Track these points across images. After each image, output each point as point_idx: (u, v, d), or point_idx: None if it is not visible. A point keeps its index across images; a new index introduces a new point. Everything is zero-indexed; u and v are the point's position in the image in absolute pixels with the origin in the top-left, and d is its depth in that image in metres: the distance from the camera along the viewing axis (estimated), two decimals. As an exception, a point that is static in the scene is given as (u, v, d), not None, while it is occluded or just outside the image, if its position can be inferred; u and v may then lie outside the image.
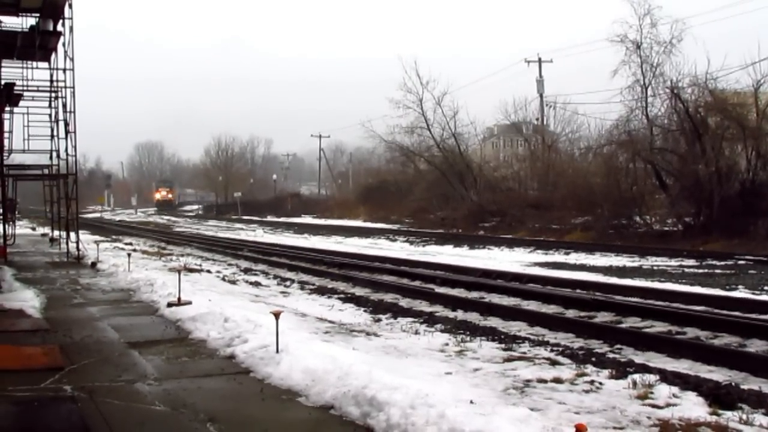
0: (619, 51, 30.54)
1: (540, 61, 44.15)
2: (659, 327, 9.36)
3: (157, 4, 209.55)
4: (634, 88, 29.88)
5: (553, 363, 7.29)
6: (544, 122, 44.78)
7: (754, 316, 9.70)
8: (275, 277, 17.05)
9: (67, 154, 19.75)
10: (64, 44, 19.31)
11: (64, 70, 19.40)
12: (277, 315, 7.02)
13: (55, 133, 20.83)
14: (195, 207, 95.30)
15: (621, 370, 6.87)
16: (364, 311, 11.47)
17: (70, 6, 18.84)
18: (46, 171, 23.26)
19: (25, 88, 20.24)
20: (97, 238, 27.87)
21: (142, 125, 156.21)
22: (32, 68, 20.69)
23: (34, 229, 36.92)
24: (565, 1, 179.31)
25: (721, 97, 26.14)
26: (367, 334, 9.05)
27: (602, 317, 10.22)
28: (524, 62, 44.60)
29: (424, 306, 11.82)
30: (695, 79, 26.71)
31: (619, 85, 33.09)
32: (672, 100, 27.36)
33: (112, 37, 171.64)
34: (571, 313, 10.62)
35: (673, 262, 18.96)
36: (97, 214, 72.11)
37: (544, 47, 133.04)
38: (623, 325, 9.58)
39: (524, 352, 7.91)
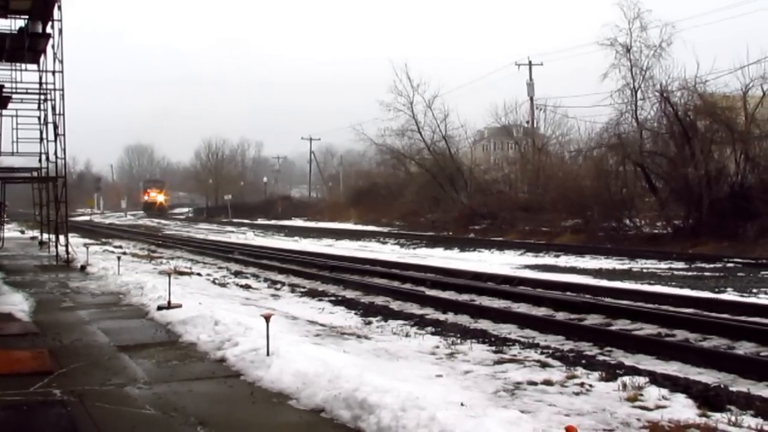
0: (609, 54, 30.81)
1: (530, 64, 44.31)
2: (649, 329, 9.39)
3: (148, 6, 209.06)
4: (624, 92, 30.15)
5: (544, 365, 7.31)
6: (535, 125, 44.92)
7: (742, 318, 9.76)
8: (266, 280, 17.01)
9: (57, 157, 19.62)
10: (53, 46, 19.23)
11: (53, 72, 19.31)
12: (267, 318, 7.01)
13: (44, 135, 20.73)
14: (185, 210, 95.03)
15: (611, 372, 6.90)
16: (355, 314, 11.46)
17: (60, 8, 18.73)
18: (35, 174, 23.09)
19: (13, 91, 20.13)
20: (87, 241, 27.66)
21: (132, 128, 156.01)
22: (21, 70, 20.60)
23: (23, 232, 36.62)
24: (556, 4, 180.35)
25: (711, 100, 26.31)
26: (358, 336, 9.05)
27: (592, 320, 10.26)
28: (515, 65, 44.80)
29: (414, 309, 11.83)
30: (685, 83, 26.95)
31: (609, 88, 33.43)
32: (661, 104, 27.55)
33: (101, 39, 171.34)
34: (561, 316, 10.64)
35: (663, 265, 19.05)
36: (87, 217, 71.71)
37: (534, 50, 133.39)
38: (613, 328, 9.61)
39: (515, 355, 7.92)
